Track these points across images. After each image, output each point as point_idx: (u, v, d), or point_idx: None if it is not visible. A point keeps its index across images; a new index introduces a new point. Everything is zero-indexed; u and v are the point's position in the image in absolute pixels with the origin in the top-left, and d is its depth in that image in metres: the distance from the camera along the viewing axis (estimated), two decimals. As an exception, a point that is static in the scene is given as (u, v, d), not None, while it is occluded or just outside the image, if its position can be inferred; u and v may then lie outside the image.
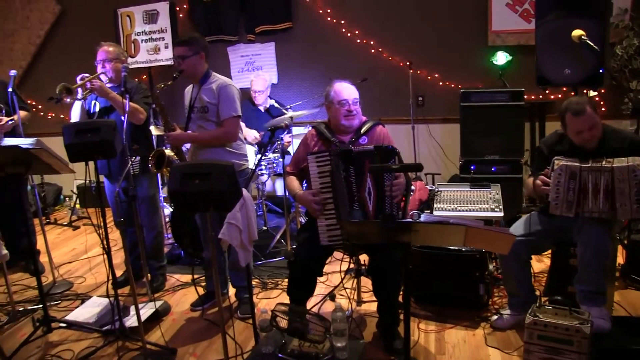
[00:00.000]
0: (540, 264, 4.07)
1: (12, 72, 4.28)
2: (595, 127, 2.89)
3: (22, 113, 4.33)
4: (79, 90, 3.65)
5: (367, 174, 2.96)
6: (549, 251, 3.52)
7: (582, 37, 3.29)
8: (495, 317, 3.33)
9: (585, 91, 4.37)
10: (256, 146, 4.98)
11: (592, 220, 2.89)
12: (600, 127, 2.92)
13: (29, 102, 5.09)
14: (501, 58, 5.30)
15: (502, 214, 3.57)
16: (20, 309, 3.84)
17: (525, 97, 4.75)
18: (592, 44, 3.29)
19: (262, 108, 5.41)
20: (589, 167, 2.83)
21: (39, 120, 6.69)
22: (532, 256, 3.31)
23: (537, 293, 3.27)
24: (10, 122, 4.28)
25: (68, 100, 3.60)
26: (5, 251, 3.74)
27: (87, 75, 3.66)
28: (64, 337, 3.46)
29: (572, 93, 4.54)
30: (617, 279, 3.64)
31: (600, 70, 3.75)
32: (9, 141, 3.40)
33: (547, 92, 5.28)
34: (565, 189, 2.87)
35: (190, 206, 2.58)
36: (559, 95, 5.24)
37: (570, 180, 2.86)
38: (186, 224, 4.21)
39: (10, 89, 4.18)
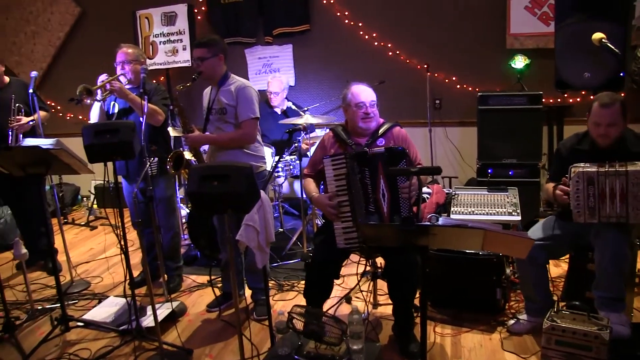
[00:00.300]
0: (557, 268, 4.03)
1: (33, 74, 4.34)
2: (614, 126, 2.87)
3: (42, 113, 4.40)
4: (99, 91, 3.67)
5: (380, 176, 2.95)
6: (566, 256, 3.49)
7: (603, 40, 3.26)
8: (512, 321, 3.30)
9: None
10: (273, 147, 4.99)
11: (609, 224, 2.86)
12: (620, 129, 2.90)
13: (48, 102, 5.15)
14: (519, 61, 5.26)
15: (519, 217, 3.54)
16: (39, 308, 3.88)
17: (544, 100, 4.71)
18: (612, 47, 3.25)
19: (278, 110, 5.42)
20: (606, 172, 2.81)
21: (58, 120, 6.77)
22: (549, 261, 3.28)
23: (555, 298, 3.24)
24: (30, 123, 4.34)
25: (88, 101, 3.63)
26: (24, 250, 3.79)
27: (107, 76, 3.69)
28: (82, 336, 3.50)
29: (592, 97, 4.50)
30: (637, 285, 3.60)
31: (621, 74, 3.72)
32: (30, 141, 3.45)
33: (565, 95, 5.22)
34: (585, 195, 2.85)
35: (209, 208, 2.59)
36: (578, 99, 5.20)
37: (589, 187, 2.84)
38: (203, 225, 4.24)
39: (31, 90, 4.23)
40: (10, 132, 4.28)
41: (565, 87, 4.11)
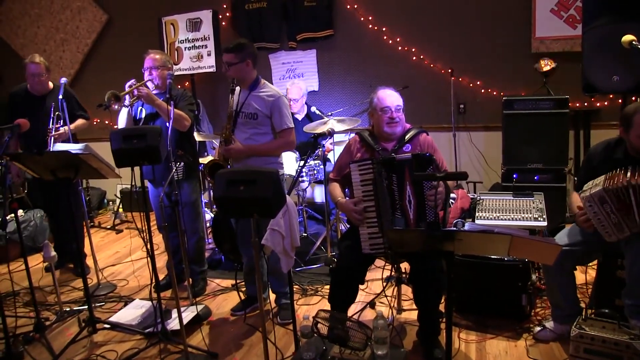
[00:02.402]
0: (584, 275, 3.96)
1: (63, 80, 4.40)
2: None
3: (81, 121, 4.50)
4: (127, 97, 3.72)
5: (407, 183, 2.94)
6: (593, 262, 3.43)
7: (633, 42, 3.19)
8: (537, 328, 3.26)
9: (634, 99, 4.24)
10: (297, 152, 5.01)
11: (640, 232, 2.80)
12: None
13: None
14: (545, 65, 5.20)
15: (545, 223, 3.50)
16: (67, 309, 3.94)
17: (570, 104, 4.64)
18: (643, 49, 3.20)
19: (298, 116, 5.43)
20: (615, 187, 2.68)
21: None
22: (576, 267, 3.23)
23: (582, 305, 3.19)
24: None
25: (116, 107, 3.67)
26: (53, 253, 3.85)
27: (134, 82, 3.74)
28: (108, 338, 3.54)
29: (620, 101, 4.44)
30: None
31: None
32: (60, 146, 3.51)
33: (592, 99, 5.16)
34: (605, 215, 2.75)
35: (235, 212, 2.60)
36: (605, 103, 5.13)
37: (603, 205, 2.73)
38: (227, 229, 4.26)
39: (60, 97, 4.29)
40: (50, 141, 4.33)
41: (592, 91, 4.06)
